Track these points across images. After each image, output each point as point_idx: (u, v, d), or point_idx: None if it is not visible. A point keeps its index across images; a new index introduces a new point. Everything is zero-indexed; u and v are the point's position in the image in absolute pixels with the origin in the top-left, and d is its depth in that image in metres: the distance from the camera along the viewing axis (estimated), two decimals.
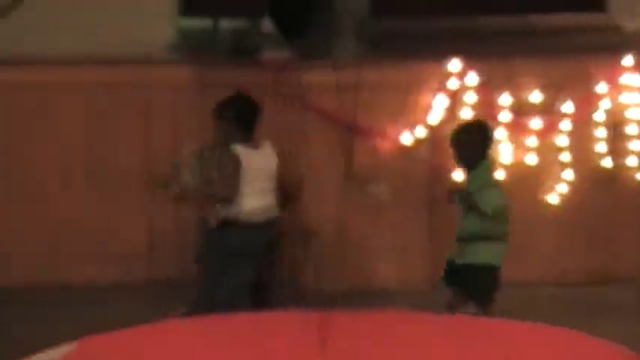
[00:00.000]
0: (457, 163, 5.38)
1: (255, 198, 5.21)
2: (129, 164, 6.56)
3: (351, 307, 3.39)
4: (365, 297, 5.94)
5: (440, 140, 6.30)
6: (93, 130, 6.52)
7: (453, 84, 6.36)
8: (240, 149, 5.20)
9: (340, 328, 3.02)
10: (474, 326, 3.32)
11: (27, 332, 5.43)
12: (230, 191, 5.15)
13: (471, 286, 5.16)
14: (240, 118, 5.26)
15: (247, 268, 5.23)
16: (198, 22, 7.68)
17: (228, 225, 5.21)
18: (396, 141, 6.33)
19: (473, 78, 6.37)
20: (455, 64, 6.35)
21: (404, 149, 6.35)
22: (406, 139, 6.34)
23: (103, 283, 6.52)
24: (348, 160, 6.25)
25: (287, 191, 5.39)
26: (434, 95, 6.34)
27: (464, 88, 6.37)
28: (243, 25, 7.29)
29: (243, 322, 3.33)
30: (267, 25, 6.65)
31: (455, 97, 6.37)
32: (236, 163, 5.16)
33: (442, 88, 6.35)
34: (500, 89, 6.42)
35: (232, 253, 5.20)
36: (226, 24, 7.51)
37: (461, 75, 6.36)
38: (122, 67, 6.65)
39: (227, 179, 5.16)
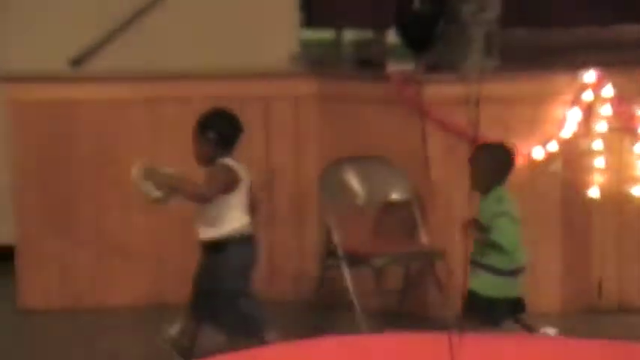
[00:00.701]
0: (472, 186, 5.31)
1: (245, 212, 5.31)
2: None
3: (480, 330, 3.36)
4: None
5: (574, 155, 6.22)
6: None
7: (587, 96, 6.20)
8: (231, 162, 5.27)
9: (470, 351, 3.01)
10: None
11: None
12: (207, 192, 5.21)
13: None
14: (223, 135, 5.29)
15: (244, 282, 5.34)
16: (321, 34, 7.70)
17: (228, 242, 5.25)
18: (527, 156, 6.19)
19: (609, 90, 6.20)
20: (590, 76, 6.21)
21: (535, 164, 6.20)
22: (538, 153, 6.20)
23: None
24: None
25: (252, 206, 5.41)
26: (567, 108, 6.19)
27: (599, 101, 6.21)
28: (367, 36, 7.29)
29: (378, 343, 3.36)
30: (393, 36, 6.61)
31: (589, 110, 6.21)
32: (233, 175, 5.24)
33: (576, 100, 6.20)
34: (639, 101, 6.25)
35: (236, 268, 5.28)
36: (350, 35, 7.52)
37: (596, 87, 6.20)
38: (243, 80, 6.68)
39: (211, 183, 5.21)
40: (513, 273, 5.38)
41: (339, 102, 6.52)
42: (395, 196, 6.26)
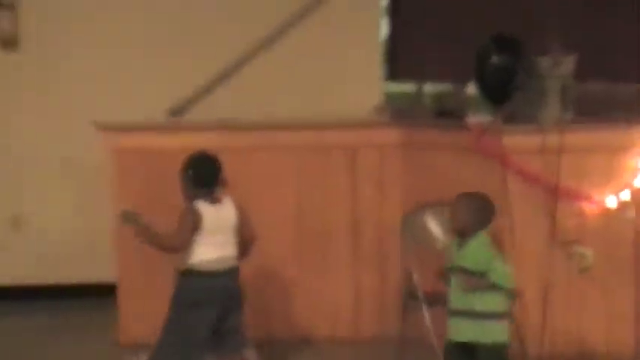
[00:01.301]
0: (452, 229, 5.20)
1: (214, 249, 5.33)
2: (337, 223, 6.60)
3: None
4: None
5: None
6: (303, 190, 6.59)
7: None
8: (200, 205, 5.31)
9: None
10: None
11: None
12: (177, 243, 5.31)
13: None
14: (199, 176, 5.36)
15: (207, 313, 5.33)
16: (404, 87, 7.75)
17: (190, 273, 5.34)
18: (601, 204, 6.12)
19: None
20: None
21: (609, 212, 6.12)
22: (612, 202, 6.12)
23: (315, 340, 6.59)
24: (551, 222, 6.08)
25: (243, 244, 5.46)
26: None
27: None
28: (446, 89, 7.30)
29: None
30: (472, 89, 6.60)
31: None
32: (195, 218, 5.29)
33: None
34: None
35: (193, 299, 5.32)
36: (430, 88, 7.55)
37: None
38: (330, 129, 6.70)
39: (179, 232, 5.30)
40: (509, 315, 5.17)
41: (421, 150, 6.51)
42: None
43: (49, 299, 7.43)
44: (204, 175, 5.40)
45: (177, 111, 7.42)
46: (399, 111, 7.51)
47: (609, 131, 6.19)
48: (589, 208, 6.13)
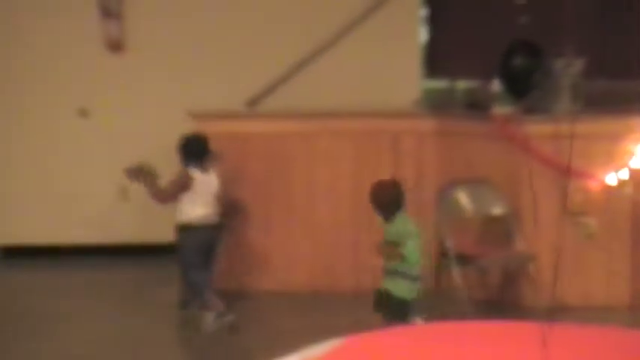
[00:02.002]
0: (378, 215, 5.16)
1: (202, 207, 5.79)
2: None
3: (569, 321, 3.25)
4: (578, 311, 5.74)
5: None
6: (357, 168, 6.57)
7: None
8: (193, 171, 5.79)
9: (562, 339, 2.89)
10: None
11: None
12: (163, 196, 5.83)
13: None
14: (191, 152, 5.82)
15: (201, 259, 5.82)
16: (439, 83, 7.69)
17: (186, 227, 5.84)
18: (604, 181, 6.08)
19: None
20: None
21: (610, 188, 6.09)
22: (612, 180, 6.08)
23: (362, 292, 6.55)
24: (563, 197, 6.04)
25: (226, 207, 5.97)
26: (637, 143, 6.07)
27: None
28: (476, 85, 7.24)
29: (480, 328, 3.25)
30: (496, 85, 6.55)
31: None
32: (187, 179, 5.81)
33: None
34: None
35: (191, 248, 5.80)
36: (462, 84, 7.49)
37: None
38: (379, 118, 6.72)
39: (168, 188, 5.82)
40: (416, 279, 5.20)
41: (453, 136, 6.49)
42: (496, 211, 6.20)
43: (142, 255, 7.45)
44: (195, 150, 5.85)
45: (254, 101, 7.43)
46: (434, 104, 7.46)
47: (611, 121, 6.18)
48: (594, 185, 6.08)
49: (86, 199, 7.60)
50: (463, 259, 5.82)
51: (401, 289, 5.14)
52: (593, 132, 6.04)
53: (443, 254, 5.95)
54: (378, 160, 6.56)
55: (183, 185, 5.81)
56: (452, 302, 5.84)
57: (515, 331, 3.16)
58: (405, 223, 5.16)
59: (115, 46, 7.46)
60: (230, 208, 6.08)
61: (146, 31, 7.48)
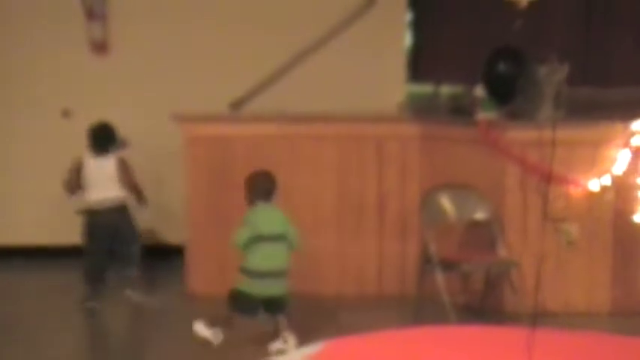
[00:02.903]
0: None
1: (98, 191, 6.22)
2: (367, 199, 6.61)
3: (551, 326, 3.27)
4: (559, 317, 5.78)
5: (623, 188, 6.10)
6: (342, 172, 6.59)
7: (636, 141, 6.10)
8: (88, 158, 6.29)
9: (545, 344, 2.92)
10: None
11: None
12: (63, 185, 6.36)
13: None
14: (92, 141, 6.31)
15: (101, 240, 6.25)
16: (423, 88, 7.72)
17: (85, 212, 6.30)
18: (586, 188, 6.11)
19: None
20: (638, 125, 6.10)
21: (592, 195, 6.12)
22: (594, 186, 6.12)
23: (345, 296, 6.59)
24: (545, 203, 6.07)
25: (132, 189, 6.34)
26: (619, 150, 6.10)
27: None
28: (460, 90, 7.27)
29: (464, 333, 3.28)
30: (480, 90, 6.57)
31: (637, 153, 6.10)
32: (78, 165, 6.28)
33: (626, 144, 6.10)
34: None
35: (90, 231, 6.28)
36: (446, 89, 7.52)
37: None
38: (363, 122, 6.72)
39: (67, 175, 6.35)
40: (262, 276, 5.33)
41: (437, 142, 6.50)
42: (479, 216, 6.21)
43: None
44: (94, 140, 6.29)
45: (237, 104, 7.43)
46: (419, 108, 7.49)
47: (593, 128, 6.20)
48: (576, 191, 6.11)
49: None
50: (446, 264, 5.82)
51: (243, 283, 5.40)
52: (575, 138, 6.07)
53: (426, 259, 5.95)
54: (362, 164, 6.57)
55: (75, 171, 6.27)
56: (435, 307, 5.83)
57: (498, 336, 3.19)
58: (255, 214, 5.41)
59: (99, 47, 7.46)
60: (135, 191, 6.38)
61: (130, 33, 7.47)
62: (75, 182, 6.30)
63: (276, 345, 5.40)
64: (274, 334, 5.44)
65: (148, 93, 7.47)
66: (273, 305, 5.41)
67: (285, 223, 5.43)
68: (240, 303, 5.36)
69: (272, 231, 5.38)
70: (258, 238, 5.34)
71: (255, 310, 5.38)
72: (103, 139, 6.32)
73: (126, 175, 6.30)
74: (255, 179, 5.49)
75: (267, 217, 5.43)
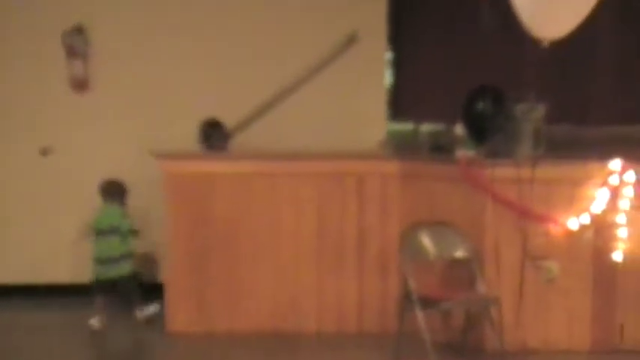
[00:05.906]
0: None
1: None
2: (348, 236, 6.62)
3: None
4: (540, 355, 5.78)
5: (602, 226, 6.14)
6: (321, 209, 6.60)
7: (614, 180, 6.14)
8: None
9: None
10: None
11: None
12: None
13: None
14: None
15: None
16: (404, 126, 7.76)
17: None
18: (565, 226, 6.15)
19: (631, 175, 6.13)
20: (616, 164, 6.14)
21: (571, 233, 6.16)
22: (573, 224, 6.16)
23: (325, 334, 6.59)
24: (524, 240, 6.11)
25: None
26: (598, 189, 6.14)
27: (623, 184, 6.14)
28: (440, 128, 7.31)
29: None
30: (460, 129, 6.63)
31: (616, 191, 6.14)
32: None
33: (605, 183, 6.14)
34: None
35: None
36: (426, 127, 7.56)
37: (621, 173, 6.13)
38: (343, 159, 6.72)
39: None
40: (102, 262, 6.68)
41: (417, 179, 6.51)
42: (459, 254, 6.20)
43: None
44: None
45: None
46: (399, 146, 7.52)
47: (572, 166, 6.22)
48: (555, 229, 6.15)
49: (48, 238, 7.56)
50: (426, 302, 5.81)
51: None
52: (554, 176, 6.11)
53: (406, 296, 5.95)
54: (343, 201, 6.58)
55: None
56: (415, 345, 5.82)
57: None
58: (99, 211, 6.86)
59: (80, 85, 7.49)
60: None
61: (111, 71, 7.50)
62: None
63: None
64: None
65: (128, 130, 7.48)
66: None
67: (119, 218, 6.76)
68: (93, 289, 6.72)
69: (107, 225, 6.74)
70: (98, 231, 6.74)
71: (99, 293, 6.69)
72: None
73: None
74: (105, 184, 6.93)
75: (104, 215, 6.80)
